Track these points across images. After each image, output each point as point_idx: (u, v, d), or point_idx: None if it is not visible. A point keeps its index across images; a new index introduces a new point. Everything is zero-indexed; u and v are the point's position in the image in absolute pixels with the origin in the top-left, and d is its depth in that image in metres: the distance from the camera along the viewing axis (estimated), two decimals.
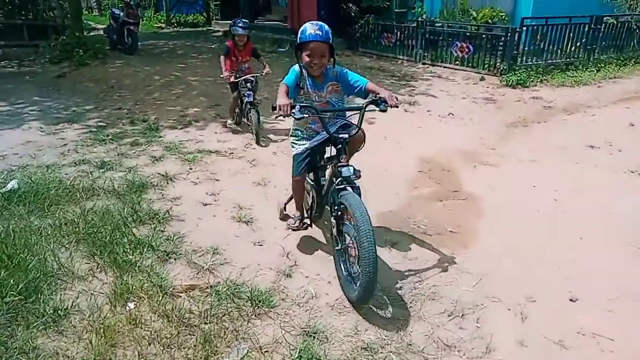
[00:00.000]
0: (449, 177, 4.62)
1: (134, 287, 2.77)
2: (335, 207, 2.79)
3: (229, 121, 5.90)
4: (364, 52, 12.00)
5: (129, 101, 7.46)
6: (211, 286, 2.86)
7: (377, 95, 2.77)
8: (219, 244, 3.35)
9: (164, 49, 13.48)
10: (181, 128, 6.05)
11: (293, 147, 3.13)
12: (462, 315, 2.65)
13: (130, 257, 3.08)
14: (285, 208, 3.57)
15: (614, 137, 5.59)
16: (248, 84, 5.44)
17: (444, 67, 9.85)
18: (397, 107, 2.75)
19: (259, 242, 3.41)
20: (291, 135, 3.17)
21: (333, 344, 2.42)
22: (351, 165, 2.76)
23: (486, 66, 9.08)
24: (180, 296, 2.77)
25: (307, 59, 2.82)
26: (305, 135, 3.08)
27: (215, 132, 5.89)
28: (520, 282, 2.92)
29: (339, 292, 2.84)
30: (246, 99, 5.44)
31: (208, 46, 13.86)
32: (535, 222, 3.69)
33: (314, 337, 2.45)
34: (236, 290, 2.80)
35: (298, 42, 2.83)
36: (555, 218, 3.76)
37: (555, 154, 5.19)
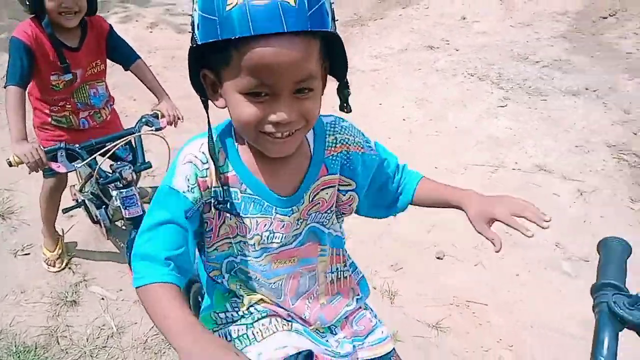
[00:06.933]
0: None
1: None
2: None
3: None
4: None
5: None
6: None
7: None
8: None
9: None
10: None
11: None
12: None
13: None
14: None
15: (450, 34, 5.28)
16: (122, 169, 1.60)
17: None
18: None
19: (22, 250, 2.28)
20: None
21: None
22: None
23: None
24: None
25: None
26: None
27: None
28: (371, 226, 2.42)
29: None
30: (123, 209, 1.65)
31: None
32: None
33: None
34: None
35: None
36: (408, 145, 3.30)
37: (397, 59, 4.69)
